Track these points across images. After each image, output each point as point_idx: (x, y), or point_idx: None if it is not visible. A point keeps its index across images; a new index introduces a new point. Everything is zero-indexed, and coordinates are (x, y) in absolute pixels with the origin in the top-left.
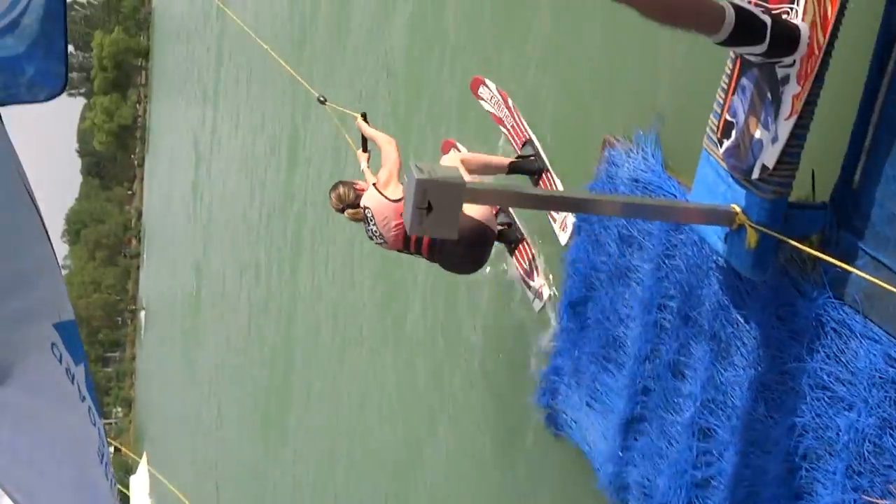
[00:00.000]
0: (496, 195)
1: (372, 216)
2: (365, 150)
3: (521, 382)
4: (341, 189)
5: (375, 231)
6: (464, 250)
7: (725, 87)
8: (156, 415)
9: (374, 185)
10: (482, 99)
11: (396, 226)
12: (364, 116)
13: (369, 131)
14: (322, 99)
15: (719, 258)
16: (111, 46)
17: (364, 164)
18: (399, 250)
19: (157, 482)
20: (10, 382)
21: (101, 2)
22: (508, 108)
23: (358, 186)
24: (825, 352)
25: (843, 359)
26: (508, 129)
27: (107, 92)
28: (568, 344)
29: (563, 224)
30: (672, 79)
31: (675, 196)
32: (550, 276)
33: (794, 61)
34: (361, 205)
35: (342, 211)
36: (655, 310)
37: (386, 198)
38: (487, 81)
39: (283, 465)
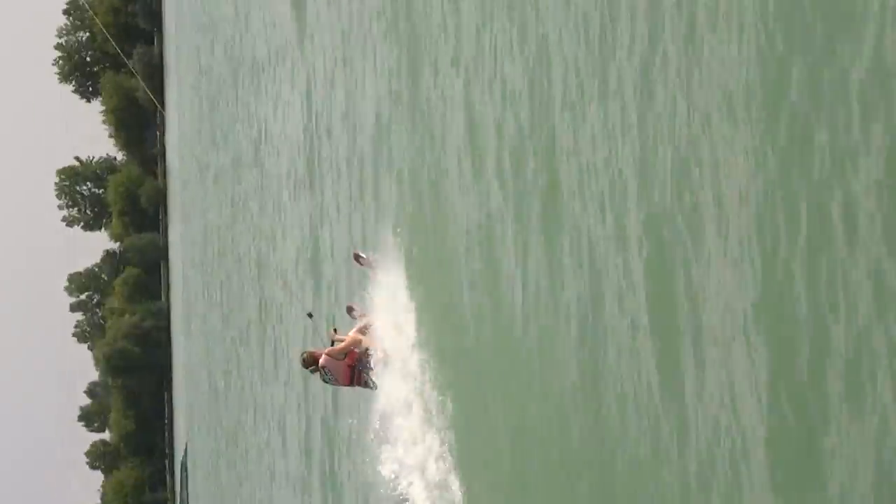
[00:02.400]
0: None
1: (329, 370)
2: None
3: None
4: (306, 355)
5: (331, 378)
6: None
7: None
8: None
9: (326, 353)
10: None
11: (343, 374)
12: (335, 330)
13: (342, 346)
14: (310, 314)
15: None
16: None
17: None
18: (346, 385)
19: None
20: None
21: None
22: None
23: (317, 353)
24: None
25: None
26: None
27: None
28: None
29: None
30: None
31: None
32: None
33: None
34: (321, 364)
35: (307, 367)
36: None
37: (337, 360)
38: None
39: None
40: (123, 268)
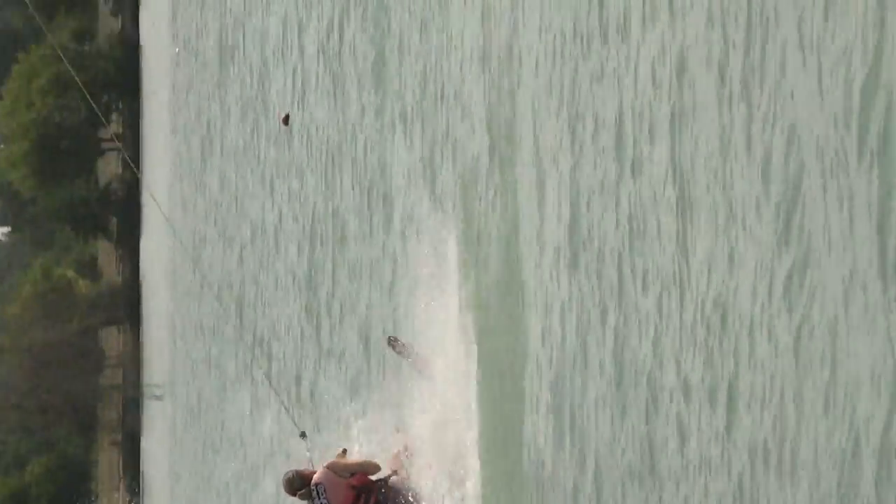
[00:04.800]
0: None
1: (324, 488)
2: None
3: None
4: (291, 475)
5: (324, 500)
6: None
7: None
8: None
9: (326, 466)
10: None
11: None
12: (344, 451)
13: (352, 463)
14: (304, 434)
15: None
16: None
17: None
18: None
19: None
20: None
21: None
22: None
23: (308, 472)
24: None
25: None
26: None
27: None
28: None
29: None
30: None
31: None
32: None
33: None
34: (314, 481)
35: (293, 492)
36: None
37: (338, 476)
38: None
39: None
40: None
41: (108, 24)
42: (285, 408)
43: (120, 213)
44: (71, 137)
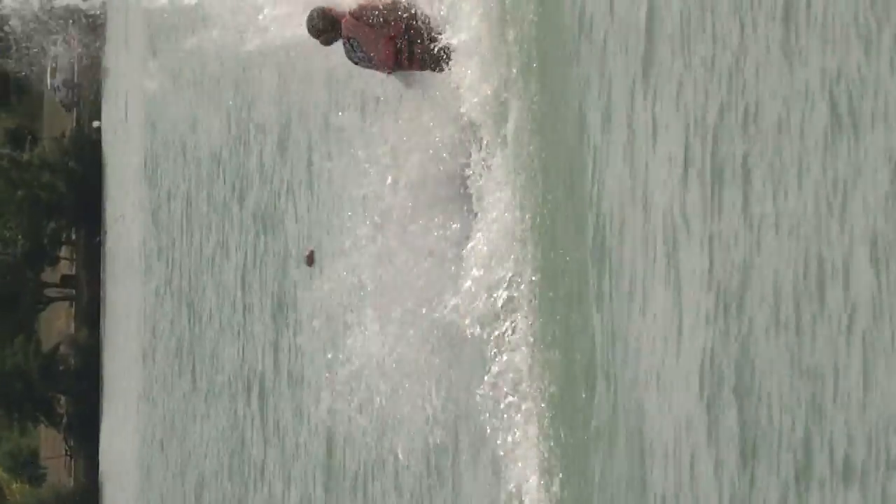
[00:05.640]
0: None
1: (357, 41)
2: None
3: None
4: (316, 14)
5: (360, 53)
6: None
7: None
8: None
9: (351, 13)
10: None
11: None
12: None
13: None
14: None
15: None
16: None
17: None
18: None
19: None
20: None
21: None
22: None
23: (336, 10)
24: None
25: None
26: None
27: None
28: None
29: None
30: None
31: None
32: None
33: None
34: (344, 33)
35: (318, 34)
36: None
37: (368, 25)
38: None
39: None
40: None
41: (60, 123)
42: None
43: (71, 390)
44: (3, 282)
